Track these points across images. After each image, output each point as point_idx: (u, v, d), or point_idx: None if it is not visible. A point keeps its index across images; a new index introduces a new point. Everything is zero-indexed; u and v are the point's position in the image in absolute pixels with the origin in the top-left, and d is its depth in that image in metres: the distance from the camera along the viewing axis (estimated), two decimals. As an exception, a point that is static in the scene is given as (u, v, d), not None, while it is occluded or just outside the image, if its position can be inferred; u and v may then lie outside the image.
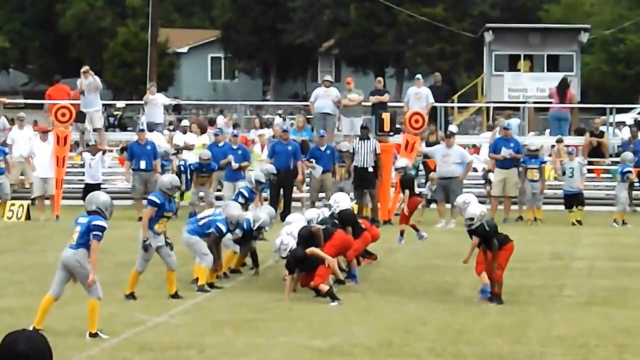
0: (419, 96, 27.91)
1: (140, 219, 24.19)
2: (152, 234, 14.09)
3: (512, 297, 14.54)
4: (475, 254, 14.57)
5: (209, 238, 15.23)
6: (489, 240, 14.30)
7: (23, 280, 15.76)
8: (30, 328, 11.72)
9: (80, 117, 27.40)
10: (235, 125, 30.75)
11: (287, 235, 15.01)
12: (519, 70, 42.85)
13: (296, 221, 15.78)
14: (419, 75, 29.68)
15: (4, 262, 16.07)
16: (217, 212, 15.90)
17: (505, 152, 24.67)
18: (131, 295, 14.26)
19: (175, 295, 14.31)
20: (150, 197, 14.47)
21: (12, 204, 23.95)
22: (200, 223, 15.36)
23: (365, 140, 24.31)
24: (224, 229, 15.31)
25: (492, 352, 11.40)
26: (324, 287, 14.32)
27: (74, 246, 11.87)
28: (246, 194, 17.48)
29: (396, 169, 21.56)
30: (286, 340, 11.95)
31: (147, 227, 14.12)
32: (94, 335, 11.85)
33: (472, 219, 14.36)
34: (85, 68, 28.09)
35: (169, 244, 14.30)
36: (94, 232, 11.77)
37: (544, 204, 25.04)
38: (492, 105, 39.76)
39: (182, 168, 25.32)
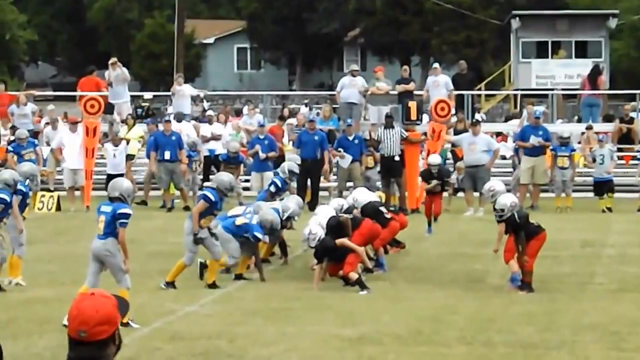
0: (437, 84, 27.86)
1: (163, 206, 24.44)
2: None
3: (542, 285, 14.50)
4: (504, 241, 14.54)
5: (249, 243, 15.26)
6: (519, 231, 14.25)
7: (54, 270, 15.85)
8: (65, 318, 11.81)
9: (109, 108, 27.49)
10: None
11: (315, 225, 15.00)
12: (550, 57, 42.63)
13: (324, 211, 15.77)
14: (435, 65, 29.71)
15: (35, 252, 16.16)
16: (248, 211, 15.77)
17: (534, 140, 24.57)
18: (171, 284, 14.32)
19: (212, 285, 14.32)
20: (207, 193, 14.49)
21: (43, 195, 24.07)
22: (237, 224, 15.27)
23: (391, 129, 24.27)
24: (260, 236, 15.25)
25: (523, 340, 11.38)
26: (353, 276, 14.33)
27: (102, 236, 11.94)
28: (279, 184, 17.48)
29: (431, 165, 21.06)
30: (316, 329, 11.97)
31: (197, 220, 14.20)
32: (125, 324, 11.91)
33: (502, 209, 14.31)
34: (113, 60, 28.18)
35: (213, 234, 14.40)
36: (120, 220, 11.85)
37: (574, 191, 24.93)
38: (519, 92, 39.62)
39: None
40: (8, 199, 13.94)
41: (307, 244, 14.91)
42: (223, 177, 15.05)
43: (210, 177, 20.85)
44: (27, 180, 15.09)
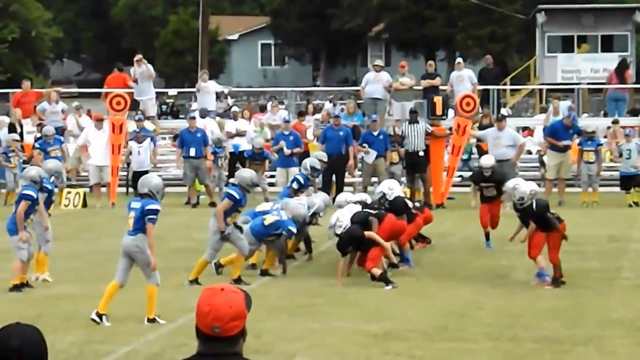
0: (460, 79, 27.78)
1: (188, 202, 24.50)
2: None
3: (568, 281, 14.42)
4: (518, 236, 14.58)
5: (279, 239, 15.26)
6: (539, 220, 14.20)
7: (80, 267, 15.91)
8: (94, 313, 11.85)
9: (134, 105, 27.57)
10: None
11: (343, 213, 14.98)
12: (574, 52, 42.43)
13: (350, 207, 15.73)
14: (459, 59, 29.62)
15: (61, 249, 16.22)
16: (275, 208, 15.80)
17: (566, 143, 24.50)
18: (195, 281, 14.39)
19: (238, 280, 14.33)
20: (230, 191, 14.53)
21: (69, 192, 24.16)
22: (266, 223, 15.28)
23: (415, 124, 24.23)
24: (294, 230, 15.33)
25: (550, 335, 11.32)
26: (376, 272, 14.30)
27: (132, 232, 11.97)
28: (302, 181, 17.48)
29: (483, 167, 17.88)
30: (341, 325, 11.96)
31: (222, 218, 14.24)
32: (151, 320, 11.94)
33: (522, 198, 14.35)
34: (138, 56, 28.23)
35: (238, 227, 14.46)
36: (149, 217, 11.88)
37: (600, 186, 24.80)
38: (545, 87, 39.42)
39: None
40: (35, 196, 14.00)
41: (333, 230, 14.85)
42: (244, 173, 15.15)
43: (235, 173, 20.88)
44: (53, 178, 15.14)
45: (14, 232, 13.98)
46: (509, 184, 15.33)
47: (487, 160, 18.07)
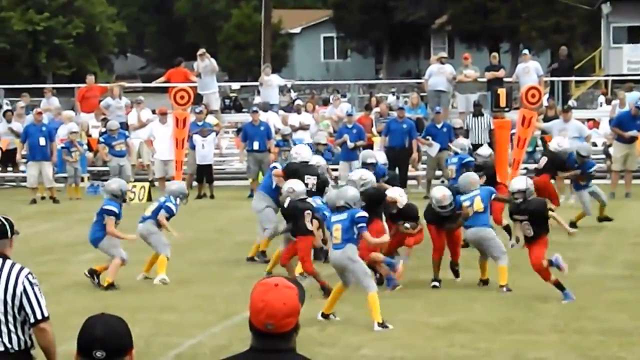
0: (526, 70, 27.58)
1: (251, 195, 24.50)
2: None
3: (635, 273, 14.26)
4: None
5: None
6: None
7: (145, 260, 16.02)
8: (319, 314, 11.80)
9: (198, 99, 27.71)
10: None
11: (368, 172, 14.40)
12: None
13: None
14: (525, 51, 29.42)
15: (126, 242, 16.37)
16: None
17: (632, 134, 24.18)
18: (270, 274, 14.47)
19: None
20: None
21: (134, 186, 24.37)
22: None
23: (479, 117, 24.09)
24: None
25: (617, 327, 11.21)
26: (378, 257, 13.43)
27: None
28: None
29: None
30: (406, 318, 11.94)
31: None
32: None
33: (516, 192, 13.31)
34: (201, 51, 28.37)
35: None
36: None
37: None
38: (610, 78, 38.98)
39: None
40: (116, 211, 14.06)
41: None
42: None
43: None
44: (177, 199, 15.03)
45: (100, 241, 14.10)
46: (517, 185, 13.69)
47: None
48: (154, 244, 14.55)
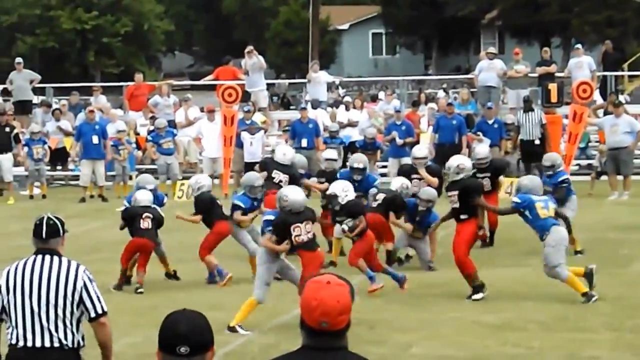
0: (579, 65, 27.25)
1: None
2: None
3: (692, 270, 13.98)
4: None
5: None
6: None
7: (191, 258, 15.95)
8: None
9: (246, 97, 27.67)
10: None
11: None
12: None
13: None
14: (578, 45, 29.10)
15: (173, 240, 16.35)
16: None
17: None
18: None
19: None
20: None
21: (182, 184, 24.37)
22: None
23: (530, 113, 23.84)
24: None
25: (674, 327, 10.96)
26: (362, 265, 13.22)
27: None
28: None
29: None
30: (456, 316, 11.77)
31: None
32: (232, 329, 11.59)
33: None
34: (249, 48, 28.32)
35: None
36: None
37: None
38: (663, 72, 38.33)
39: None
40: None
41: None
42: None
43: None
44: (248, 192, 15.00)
45: None
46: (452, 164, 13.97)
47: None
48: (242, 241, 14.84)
